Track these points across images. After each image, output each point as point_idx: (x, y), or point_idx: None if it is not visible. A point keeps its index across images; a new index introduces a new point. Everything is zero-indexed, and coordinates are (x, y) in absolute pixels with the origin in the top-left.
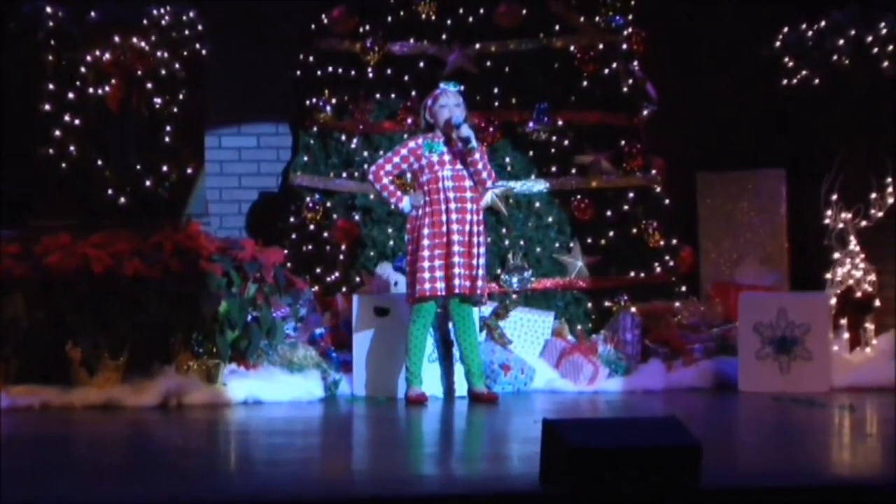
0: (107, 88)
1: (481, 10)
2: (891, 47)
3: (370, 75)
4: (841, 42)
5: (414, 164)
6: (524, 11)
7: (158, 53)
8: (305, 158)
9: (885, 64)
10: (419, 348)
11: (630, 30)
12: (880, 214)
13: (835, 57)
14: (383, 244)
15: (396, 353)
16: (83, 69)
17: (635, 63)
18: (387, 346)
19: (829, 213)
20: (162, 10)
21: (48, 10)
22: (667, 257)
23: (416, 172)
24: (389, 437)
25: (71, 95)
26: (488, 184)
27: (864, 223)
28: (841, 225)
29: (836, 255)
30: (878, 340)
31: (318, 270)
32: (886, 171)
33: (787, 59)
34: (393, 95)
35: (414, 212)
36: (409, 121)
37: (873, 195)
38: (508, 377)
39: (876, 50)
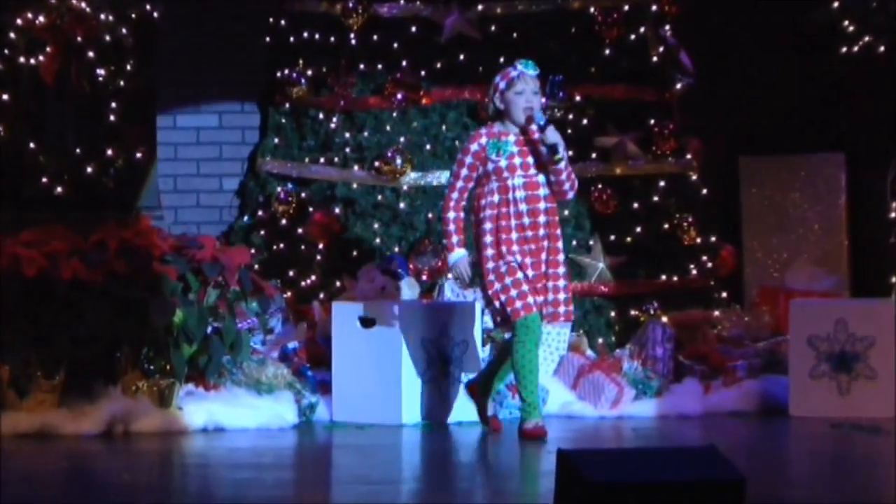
0: (41, 58)
1: None
2: None
3: (353, 42)
4: None
5: (479, 168)
6: None
7: (102, 16)
8: (276, 141)
9: None
10: (533, 372)
11: None
12: None
13: None
14: (368, 242)
15: (384, 371)
16: (12, 35)
17: (667, 28)
18: (373, 362)
19: (895, 205)
20: None
21: None
22: (704, 258)
23: (480, 180)
24: (375, 471)
25: None
26: (569, 195)
27: None
28: (894, 214)
29: None
30: None
31: (292, 273)
32: None
33: (846, 24)
34: (380, 66)
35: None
36: (399, 96)
37: None
38: (517, 399)
39: None
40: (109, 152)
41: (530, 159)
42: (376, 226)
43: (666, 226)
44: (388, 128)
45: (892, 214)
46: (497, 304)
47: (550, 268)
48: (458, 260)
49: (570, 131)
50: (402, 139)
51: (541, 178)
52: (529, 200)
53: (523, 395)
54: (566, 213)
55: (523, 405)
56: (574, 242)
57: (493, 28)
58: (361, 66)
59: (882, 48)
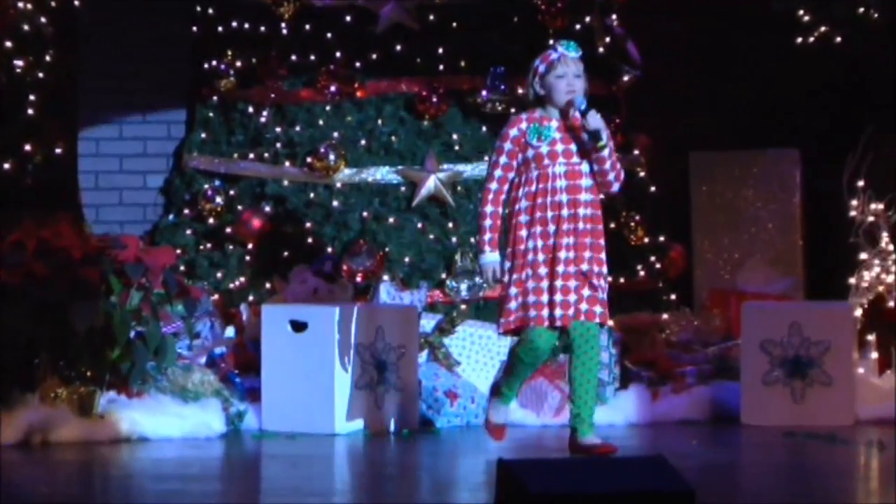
0: None
1: None
2: None
3: (284, 32)
4: None
5: (519, 156)
6: None
7: (20, 4)
8: (203, 135)
9: None
10: (520, 377)
11: None
12: None
13: (861, 9)
14: (300, 242)
15: (316, 377)
16: None
17: (614, 17)
18: (304, 369)
19: (854, 203)
20: None
21: None
22: (653, 258)
23: (520, 168)
24: (306, 482)
25: None
26: (614, 187)
27: None
28: (871, 218)
29: (864, 256)
30: None
31: (220, 275)
32: None
33: (802, 13)
34: (312, 57)
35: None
36: (333, 89)
37: None
38: (455, 407)
39: None
40: (27, 147)
41: (573, 146)
42: (308, 225)
43: (612, 225)
44: (320, 122)
45: (852, 213)
46: (506, 305)
47: (593, 265)
48: (490, 263)
49: None
50: (335, 134)
51: (584, 167)
52: (571, 190)
53: (502, 386)
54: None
55: (500, 396)
56: None
57: (431, 18)
58: (293, 58)
59: (840, 38)
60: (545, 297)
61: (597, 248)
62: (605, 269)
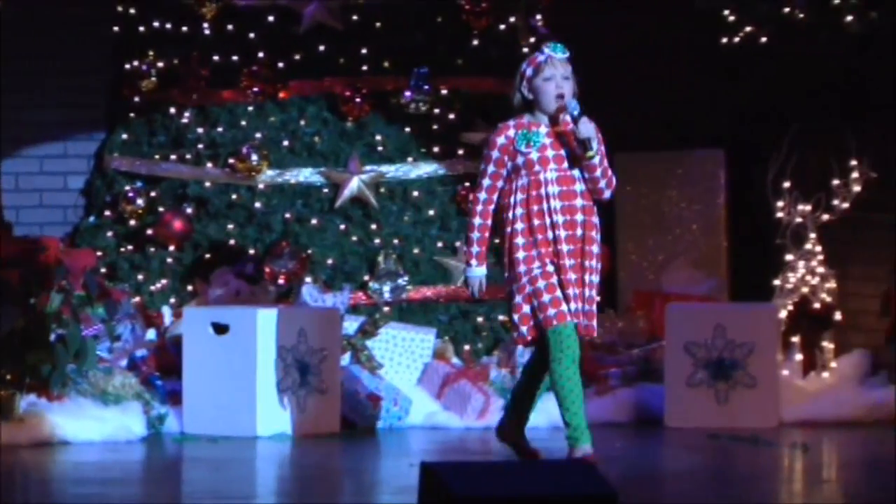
0: None
1: None
2: None
3: (206, 32)
4: None
5: (508, 163)
6: None
7: None
8: (125, 136)
9: (849, 18)
10: (575, 391)
11: None
12: (845, 206)
13: (787, 9)
14: (222, 244)
15: (238, 380)
16: None
17: (538, 17)
18: (226, 371)
19: (780, 204)
20: None
21: None
22: None
23: (510, 176)
24: (228, 486)
25: None
26: (606, 194)
27: (825, 217)
28: (798, 219)
29: (789, 257)
30: (839, 363)
31: (141, 277)
32: (850, 152)
33: (727, 13)
34: (235, 58)
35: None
36: (255, 90)
37: (835, 182)
38: (379, 410)
39: (838, 1)
40: None
41: (564, 151)
42: (231, 226)
43: None
44: (243, 123)
45: (778, 215)
46: (517, 316)
47: (587, 274)
48: (477, 277)
49: (435, 127)
50: (258, 135)
51: (577, 172)
52: (564, 196)
53: (566, 418)
54: (431, 213)
55: (568, 430)
56: (440, 244)
57: (354, 18)
58: (215, 58)
59: (765, 38)
60: (559, 294)
61: (591, 255)
62: (597, 278)
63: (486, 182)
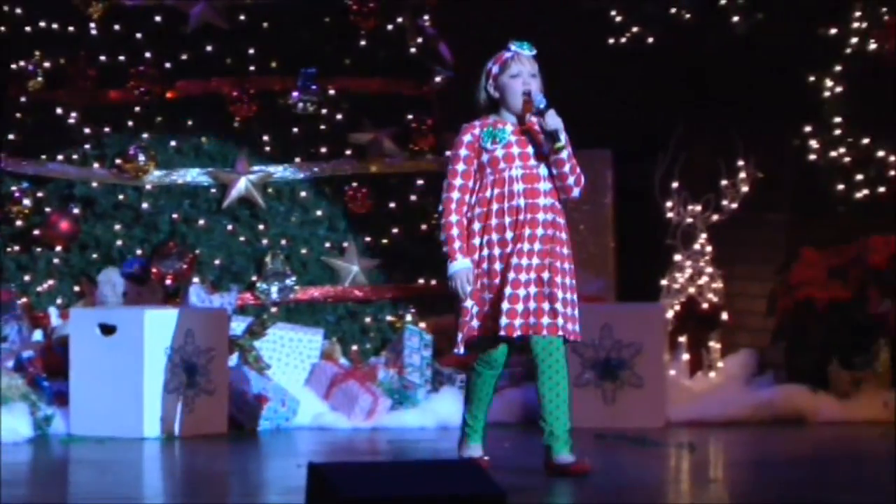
0: None
1: None
2: None
3: (93, 32)
4: None
5: (475, 161)
6: None
7: None
8: (11, 137)
9: (736, 19)
10: (482, 399)
11: None
12: (734, 206)
13: (673, 10)
14: (109, 245)
15: (125, 381)
16: None
17: (425, 17)
18: (113, 372)
19: (669, 204)
20: None
21: None
22: None
23: (475, 175)
24: (115, 488)
25: None
26: (574, 192)
27: (715, 217)
28: (689, 220)
29: (678, 258)
30: (726, 363)
31: (27, 278)
32: (737, 152)
33: (614, 13)
34: (122, 58)
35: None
36: (143, 89)
37: (724, 182)
38: (266, 411)
39: (724, 1)
40: None
41: (530, 149)
42: (118, 227)
43: (424, 227)
44: (130, 123)
45: (668, 215)
46: (466, 317)
47: (553, 274)
48: (460, 270)
49: (322, 127)
50: (145, 135)
51: (542, 170)
52: (529, 194)
53: (466, 416)
54: (318, 213)
55: (466, 427)
56: (327, 244)
57: (242, 17)
58: (102, 58)
59: (651, 39)
60: (497, 307)
61: (558, 256)
62: (569, 280)
63: (457, 181)
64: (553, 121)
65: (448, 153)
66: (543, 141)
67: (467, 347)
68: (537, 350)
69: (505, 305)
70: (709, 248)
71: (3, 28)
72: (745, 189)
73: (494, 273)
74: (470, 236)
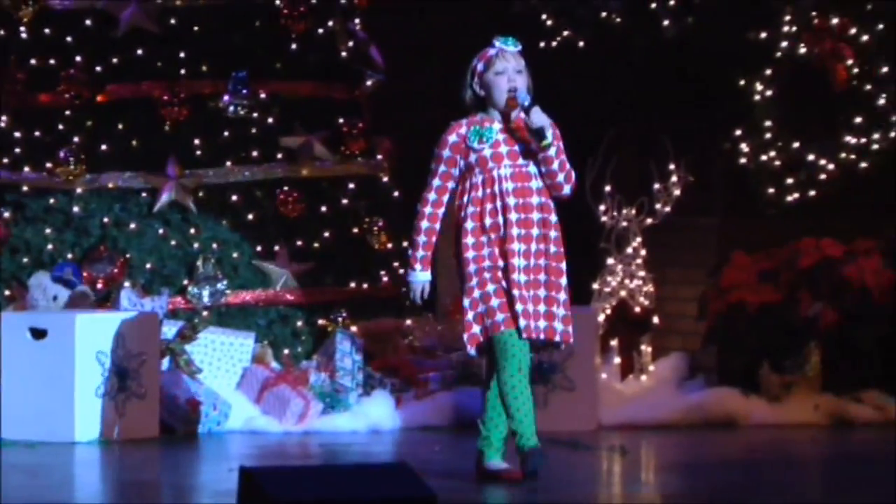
0: None
1: None
2: (672, 1)
3: (23, 36)
4: None
5: (460, 162)
6: None
7: None
8: None
9: (666, 23)
10: (523, 400)
11: None
12: (667, 209)
13: (604, 14)
14: (39, 249)
15: (56, 385)
16: None
17: (356, 21)
18: (44, 376)
19: (602, 207)
20: None
21: None
22: (396, 264)
23: (463, 175)
24: (46, 492)
25: None
26: (565, 190)
27: (648, 221)
28: (624, 224)
29: (610, 261)
30: (657, 366)
31: None
32: (668, 155)
33: (545, 17)
34: (52, 61)
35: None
36: (74, 93)
37: (656, 186)
38: (198, 415)
39: (655, 5)
40: None
41: (518, 148)
42: (48, 231)
43: (356, 230)
44: (61, 127)
45: (604, 218)
46: (462, 320)
47: (548, 275)
48: (420, 282)
49: (253, 131)
50: (76, 139)
51: (532, 168)
52: (519, 193)
53: (513, 426)
54: (250, 217)
55: (517, 438)
56: (258, 248)
57: (172, 21)
58: (32, 62)
59: (582, 42)
60: (507, 301)
61: (548, 255)
62: (562, 280)
63: (435, 182)
64: (538, 118)
65: (435, 150)
66: (531, 139)
67: (479, 348)
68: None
69: (519, 307)
70: (643, 252)
71: None
72: (676, 193)
73: (496, 270)
74: (463, 235)
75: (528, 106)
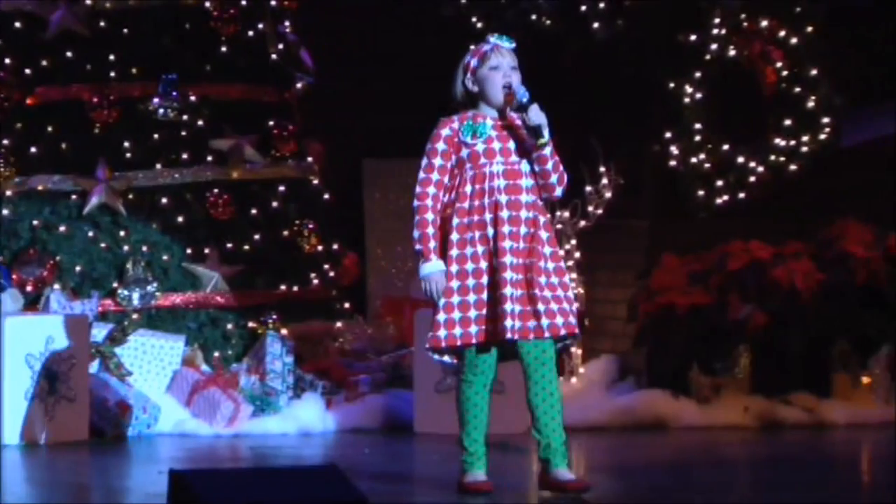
0: None
1: None
2: (603, 4)
3: None
4: None
5: (452, 156)
6: None
7: None
8: None
9: (596, 25)
10: (481, 418)
11: None
12: (599, 212)
13: (534, 16)
14: None
15: None
16: None
17: (286, 24)
18: None
19: None
20: None
21: None
22: (326, 266)
23: (453, 170)
24: None
25: None
26: (557, 191)
27: (582, 223)
28: (559, 226)
29: None
30: (587, 369)
31: None
32: (598, 158)
33: (475, 20)
34: None
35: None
36: (2, 96)
37: (588, 188)
38: (128, 418)
39: (585, 8)
40: None
41: (512, 144)
42: None
43: (286, 233)
44: None
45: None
46: (436, 317)
47: (534, 274)
48: (433, 273)
49: (183, 133)
50: (5, 142)
51: (524, 166)
52: (510, 191)
53: (465, 443)
54: (180, 219)
55: (464, 454)
56: (189, 251)
57: (102, 24)
58: None
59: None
60: (486, 311)
61: (540, 255)
62: (554, 279)
63: (434, 176)
64: (537, 115)
65: (427, 146)
66: (526, 136)
67: (438, 351)
68: (528, 359)
69: (506, 307)
70: (577, 255)
71: None
72: (608, 195)
73: (480, 272)
74: (448, 232)
75: (526, 103)
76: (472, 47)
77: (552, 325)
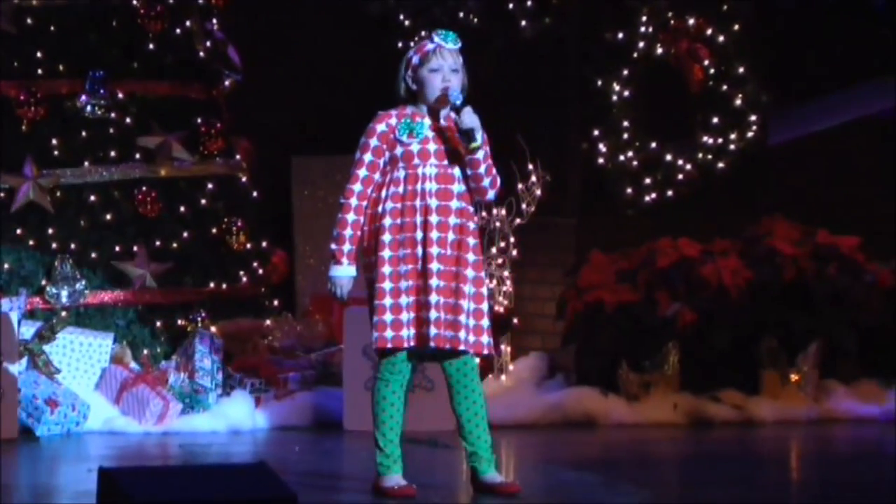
0: None
1: None
2: (530, 2)
3: None
4: None
5: (386, 154)
6: None
7: None
8: None
9: (524, 23)
10: (397, 419)
11: None
12: (532, 209)
13: (461, 14)
14: None
15: None
16: None
17: (214, 21)
18: None
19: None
20: None
21: None
22: (255, 264)
23: (385, 168)
24: None
25: None
26: (489, 194)
27: (517, 221)
28: (497, 224)
29: None
30: (516, 366)
31: None
32: (525, 156)
33: (402, 17)
34: None
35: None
36: None
37: (520, 186)
38: (56, 415)
39: (512, 6)
40: None
41: (445, 148)
42: None
43: (214, 230)
44: None
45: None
46: (375, 319)
47: (460, 283)
48: (342, 277)
49: (111, 131)
50: None
51: (456, 171)
52: (441, 195)
53: (380, 443)
54: (108, 217)
55: (380, 456)
56: (117, 248)
57: (29, 21)
58: None
59: None
60: (413, 314)
61: (465, 262)
62: (475, 289)
63: (362, 173)
64: (469, 119)
65: (362, 139)
66: (459, 140)
67: (384, 352)
68: (450, 370)
69: (431, 314)
70: (514, 253)
71: None
72: (538, 193)
73: (412, 274)
74: (379, 232)
75: (459, 106)
76: (417, 42)
77: (477, 343)
